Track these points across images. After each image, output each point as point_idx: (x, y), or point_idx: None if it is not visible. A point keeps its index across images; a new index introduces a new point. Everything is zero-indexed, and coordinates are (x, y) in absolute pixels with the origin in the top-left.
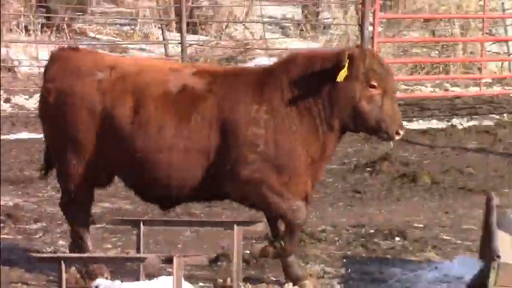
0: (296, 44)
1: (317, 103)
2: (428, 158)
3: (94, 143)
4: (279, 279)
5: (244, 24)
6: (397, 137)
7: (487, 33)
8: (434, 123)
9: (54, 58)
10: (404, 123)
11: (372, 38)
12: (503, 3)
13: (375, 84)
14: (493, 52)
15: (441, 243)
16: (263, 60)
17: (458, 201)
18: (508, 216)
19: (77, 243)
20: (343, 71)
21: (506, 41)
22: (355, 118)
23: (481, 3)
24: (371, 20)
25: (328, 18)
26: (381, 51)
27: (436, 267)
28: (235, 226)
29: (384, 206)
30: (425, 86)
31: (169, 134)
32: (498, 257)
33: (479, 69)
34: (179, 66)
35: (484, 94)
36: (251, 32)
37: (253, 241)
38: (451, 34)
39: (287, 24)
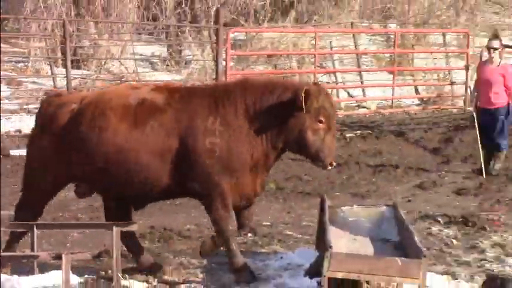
0: (163, 77)
1: (268, 124)
2: (273, 168)
3: (70, 163)
4: (151, 270)
5: (119, 61)
6: (329, 167)
7: (318, 66)
8: None
9: (42, 103)
10: None
11: (225, 71)
12: (331, 42)
13: (323, 120)
14: (324, 82)
15: (285, 237)
16: None
17: (298, 203)
18: (338, 214)
19: (9, 244)
20: (300, 101)
21: (334, 73)
22: (299, 144)
23: (313, 42)
24: (224, 56)
25: (189, 55)
26: None
27: (281, 257)
28: (114, 227)
29: None
30: None
31: (130, 141)
32: (330, 247)
33: None
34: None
35: None
36: (125, 67)
37: None
38: (290, 67)
39: (155, 60)
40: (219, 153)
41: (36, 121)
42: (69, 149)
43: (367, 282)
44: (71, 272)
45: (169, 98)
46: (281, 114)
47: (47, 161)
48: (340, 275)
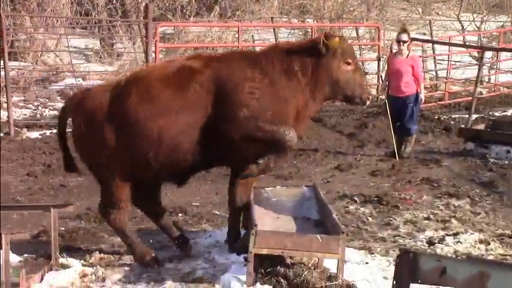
0: (96, 68)
1: (303, 75)
2: None
3: (123, 143)
4: (88, 248)
5: (55, 53)
6: (367, 102)
7: None
8: None
9: (73, 99)
10: None
11: (155, 63)
12: (253, 36)
13: (350, 61)
14: None
15: (213, 217)
16: (71, 81)
17: (226, 185)
18: (262, 194)
19: None
20: (322, 44)
21: None
22: (333, 87)
23: (236, 35)
24: (154, 49)
25: (121, 48)
26: None
27: (210, 235)
28: (51, 209)
29: (168, 190)
30: None
31: (173, 103)
32: (255, 225)
33: None
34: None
35: None
36: (60, 59)
37: (67, 220)
38: None
39: (89, 53)
40: (260, 95)
41: (76, 119)
42: (126, 130)
43: (291, 257)
44: (10, 251)
45: (207, 61)
46: (314, 64)
47: (110, 152)
48: (265, 251)
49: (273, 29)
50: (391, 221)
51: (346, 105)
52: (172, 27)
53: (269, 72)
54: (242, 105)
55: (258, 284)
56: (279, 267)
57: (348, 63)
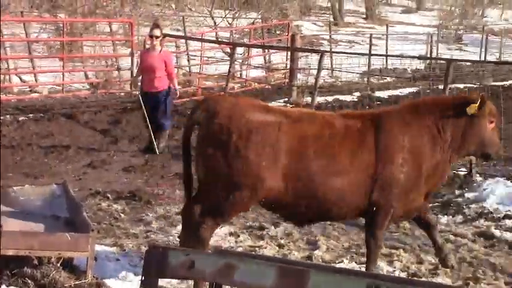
0: None
1: (453, 137)
2: None
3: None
4: None
5: None
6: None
7: None
8: None
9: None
10: None
11: None
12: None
13: (493, 120)
14: None
15: None
16: None
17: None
18: (9, 194)
19: None
20: (474, 106)
21: (6, 59)
22: (480, 146)
23: None
24: None
25: None
26: None
27: None
28: None
29: None
30: None
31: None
32: (0, 226)
33: None
34: None
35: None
36: None
37: None
38: None
39: None
40: (407, 168)
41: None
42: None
43: (39, 257)
44: None
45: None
46: (464, 125)
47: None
48: (11, 252)
49: (23, 24)
50: (143, 216)
51: (100, 100)
52: None
53: (417, 140)
54: (394, 179)
55: (3, 286)
56: (25, 268)
57: (492, 122)
